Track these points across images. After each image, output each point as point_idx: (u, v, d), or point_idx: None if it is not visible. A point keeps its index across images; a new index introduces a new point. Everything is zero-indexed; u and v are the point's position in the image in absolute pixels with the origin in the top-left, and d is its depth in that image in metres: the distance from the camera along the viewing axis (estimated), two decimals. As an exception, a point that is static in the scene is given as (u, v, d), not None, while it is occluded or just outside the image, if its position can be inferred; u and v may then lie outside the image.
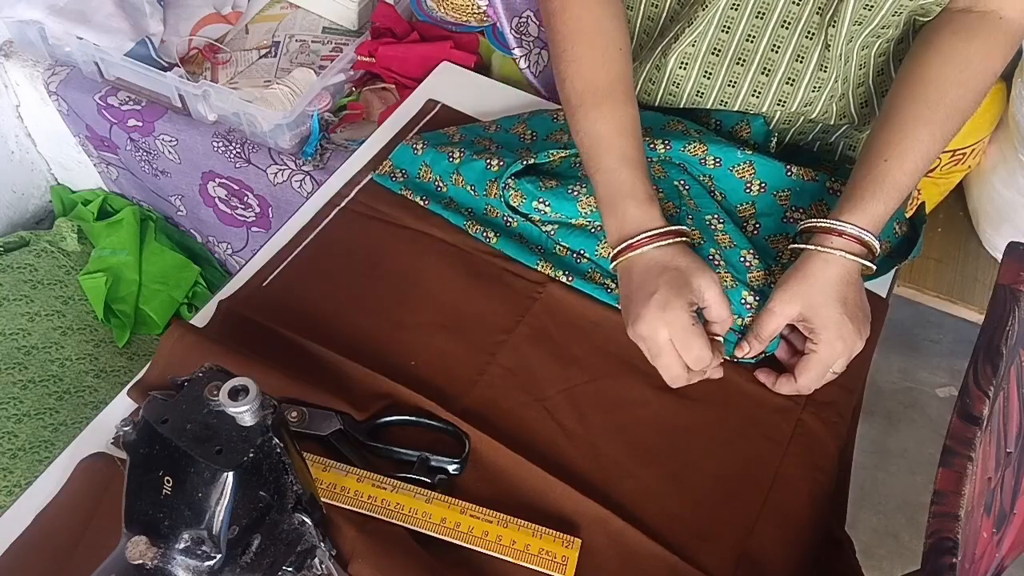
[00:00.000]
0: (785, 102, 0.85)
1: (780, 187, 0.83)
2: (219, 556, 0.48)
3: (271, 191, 1.22)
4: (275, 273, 0.82)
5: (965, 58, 0.73)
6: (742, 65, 0.83)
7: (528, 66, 1.19)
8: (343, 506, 0.63)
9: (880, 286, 0.84)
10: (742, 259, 0.79)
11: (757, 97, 0.85)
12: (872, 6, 0.76)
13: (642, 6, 0.87)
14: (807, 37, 0.80)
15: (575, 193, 0.81)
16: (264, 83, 1.25)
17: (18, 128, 1.43)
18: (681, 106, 0.89)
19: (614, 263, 0.75)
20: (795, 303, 0.71)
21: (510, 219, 0.85)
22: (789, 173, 0.82)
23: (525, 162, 0.82)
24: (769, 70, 0.83)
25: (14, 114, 1.40)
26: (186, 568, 0.48)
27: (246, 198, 1.27)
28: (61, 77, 1.27)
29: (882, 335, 0.81)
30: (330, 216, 0.87)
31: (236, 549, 0.49)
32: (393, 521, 0.64)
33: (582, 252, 0.82)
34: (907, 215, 0.84)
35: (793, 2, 0.78)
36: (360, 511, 0.63)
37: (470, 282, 0.81)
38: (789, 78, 0.83)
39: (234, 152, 1.20)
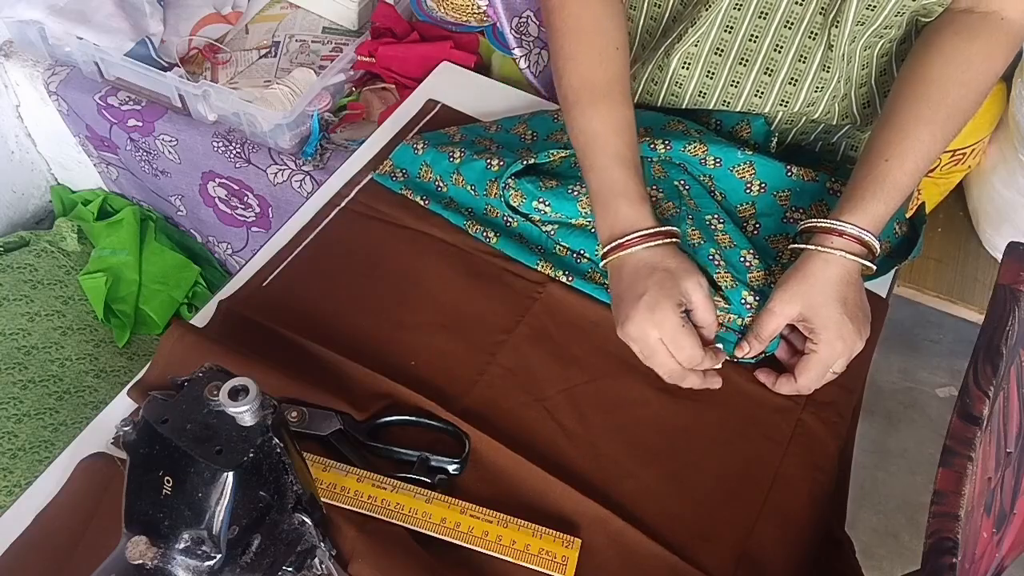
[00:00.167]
0: (788, 102, 0.85)
1: (780, 187, 0.83)
2: (219, 556, 0.48)
3: (271, 191, 1.22)
4: (275, 273, 0.82)
5: (967, 58, 0.73)
6: (745, 65, 0.83)
7: (528, 66, 1.19)
8: (343, 506, 0.63)
9: (880, 286, 0.84)
10: (742, 259, 0.79)
11: (760, 97, 0.85)
12: (875, 6, 0.76)
13: (645, 6, 0.87)
14: (810, 37, 0.80)
15: (575, 193, 0.81)
16: (264, 83, 1.25)
17: (18, 128, 1.43)
18: (684, 106, 0.89)
19: (604, 261, 0.75)
20: (795, 303, 0.71)
21: (510, 219, 0.85)
22: (789, 173, 0.82)
23: (525, 162, 0.82)
24: (772, 70, 0.83)
25: (14, 114, 1.40)
26: (186, 568, 0.48)
27: (246, 198, 1.27)
28: (61, 77, 1.27)
29: (882, 335, 0.81)
30: (330, 216, 0.87)
31: (236, 549, 0.49)
32: (393, 521, 0.64)
33: (582, 252, 0.82)
34: (907, 215, 0.84)
35: (796, 2, 0.78)
36: (360, 511, 0.63)
37: (470, 282, 0.81)
38: (792, 78, 0.83)
39: (234, 152, 1.20)
